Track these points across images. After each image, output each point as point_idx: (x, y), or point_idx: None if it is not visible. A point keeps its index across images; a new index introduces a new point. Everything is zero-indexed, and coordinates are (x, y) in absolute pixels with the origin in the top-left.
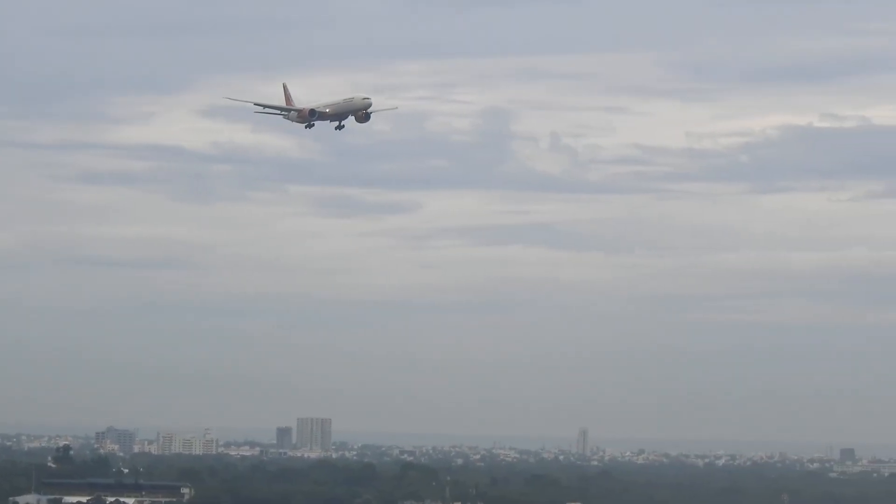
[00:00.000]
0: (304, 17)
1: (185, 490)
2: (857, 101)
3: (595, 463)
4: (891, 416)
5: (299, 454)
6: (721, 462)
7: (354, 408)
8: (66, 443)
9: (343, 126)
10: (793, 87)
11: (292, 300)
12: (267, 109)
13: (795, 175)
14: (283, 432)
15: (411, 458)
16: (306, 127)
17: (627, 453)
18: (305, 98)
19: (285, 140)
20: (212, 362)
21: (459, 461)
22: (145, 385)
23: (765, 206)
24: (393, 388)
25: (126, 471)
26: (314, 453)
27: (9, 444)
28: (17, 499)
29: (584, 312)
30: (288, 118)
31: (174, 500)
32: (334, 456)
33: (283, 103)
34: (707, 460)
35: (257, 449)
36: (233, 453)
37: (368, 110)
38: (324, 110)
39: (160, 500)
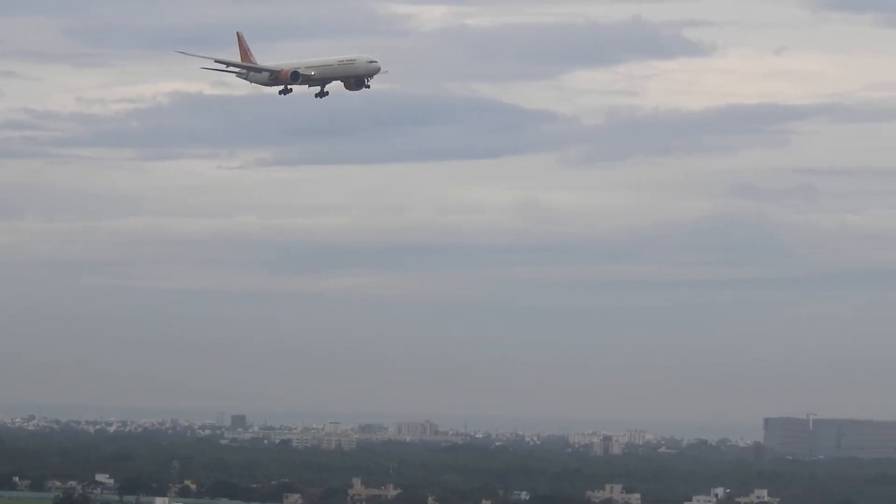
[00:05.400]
0: None
1: None
2: None
3: None
4: (281, 382)
5: None
6: (112, 428)
7: None
8: None
9: (327, 93)
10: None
11: None
12: (231, 67)
13: (186, 142)
14: None
15: None
16: (281, 93)
17: (18, 419)
18: None
19: None
20: None
21: None
22: None
23: (156, 172)
24: None
25: None
26: None
27: None
28: None
29: None
30: (250, 79)
31: None
32: None
33: (237, 58)
34: (98, 426)
35: None
36: None
37: (373, 76)
38: (308, 73)
39: None
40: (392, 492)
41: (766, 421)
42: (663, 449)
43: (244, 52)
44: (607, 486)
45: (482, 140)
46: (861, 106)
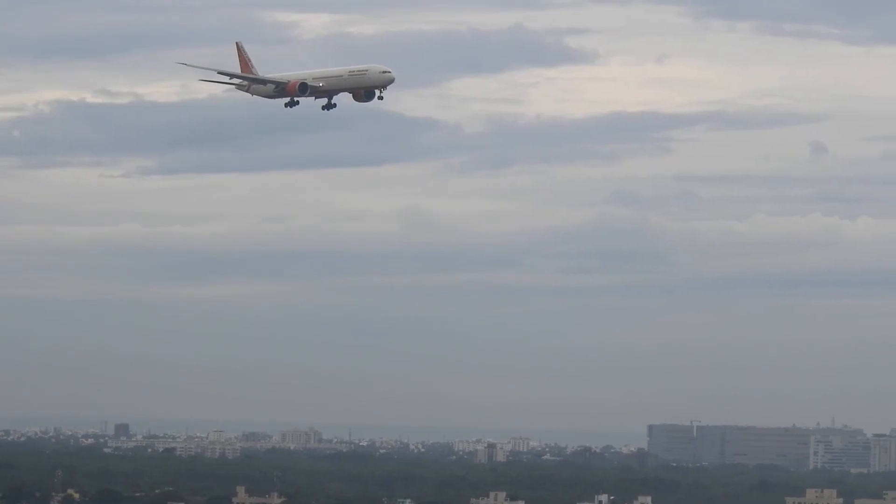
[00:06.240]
0: None
1: None
2: (130, 78)
3: None
4: (165, 391)
5: None
6: None
7: None
8: None
9: (335, 105)
10: (67, 63)
11: None
12: (234, 80)
13: (69, 150)
14: None
15: None
16: (287, 105)
17: None
18: None
19: None
20: None
21: None
22: None
23: (38, 181)
24: None
25: None
26: None
27: None
28: None
29: None
30: (252, 91)
31: None
32: None
33: (237, 69)
34: None
35: None
36: None
37: (387, 87)
38: (317, 84)
39: None
40: (276, 500)
41: (650, 428)
42: (547, 456)
43: (244, 63)
44: (491, 494)
45: (365, 148)
46: (742, 113)
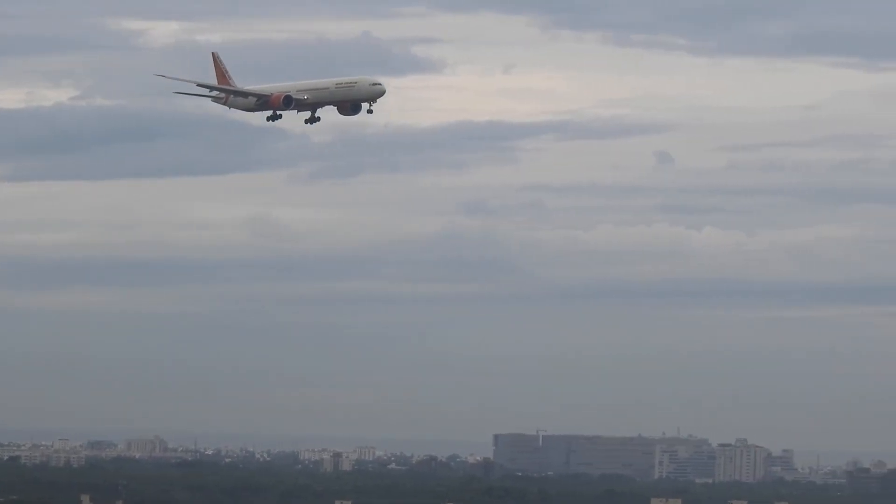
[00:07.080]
0: None
1: None
2: None
3: None
4: (9, 399)
5: None
6: None
7: None
8: None
9: (318, 118)
10: None
11: None
12: (213, 92)
13: None
14: None
15: None
16: (269, 119)
17: None
18: None
19: None
20: None
21: None
22: None
23: None
24: None
25: None
26: None
27: None
28: None
29: None
30: (230, 104)
31: None
32: None
33: (214, 80)
34: None
35: None
36: None
37: (377, 100)
38: (301, 97)
39: None
40: None
41: (496, 437)
42: (393, 465)
43: (221, 74)
44: (337, 502)
45: (211, 157)
46: (590, 123)
